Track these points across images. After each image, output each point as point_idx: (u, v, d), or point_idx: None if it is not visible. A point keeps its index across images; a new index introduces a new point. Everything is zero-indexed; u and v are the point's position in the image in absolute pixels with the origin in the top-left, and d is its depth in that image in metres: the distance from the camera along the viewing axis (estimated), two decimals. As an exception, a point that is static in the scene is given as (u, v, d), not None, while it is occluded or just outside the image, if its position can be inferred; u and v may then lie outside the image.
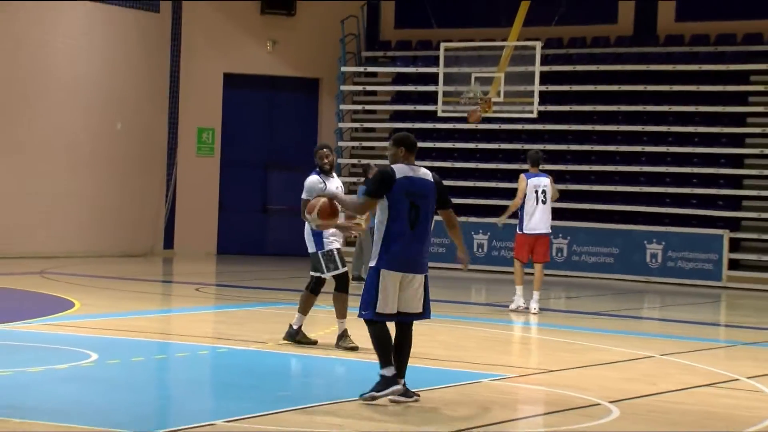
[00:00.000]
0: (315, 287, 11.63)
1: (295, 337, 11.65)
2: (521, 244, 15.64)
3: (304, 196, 11.53)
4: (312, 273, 11.58)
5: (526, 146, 23.15)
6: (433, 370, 9.68)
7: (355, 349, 11.33)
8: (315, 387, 10.30)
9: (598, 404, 9.17)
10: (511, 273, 16.25)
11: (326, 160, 11.62)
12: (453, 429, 8.18)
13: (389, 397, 8.72)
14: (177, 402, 9.27)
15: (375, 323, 8.89)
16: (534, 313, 15.25)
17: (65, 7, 22.94)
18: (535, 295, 15.40)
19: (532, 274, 15.52)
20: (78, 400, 8.53)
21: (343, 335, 11.51)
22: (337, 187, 11.50)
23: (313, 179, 11.54)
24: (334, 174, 11.76)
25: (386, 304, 8.83)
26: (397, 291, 8.87)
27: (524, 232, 15.52)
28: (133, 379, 9.91)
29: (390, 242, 8.84)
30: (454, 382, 9.97)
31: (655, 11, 24.19)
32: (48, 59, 22.82)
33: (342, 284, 11.53)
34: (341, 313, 11.52)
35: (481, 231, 22.95)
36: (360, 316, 8.99)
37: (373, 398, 8.72)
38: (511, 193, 16.57)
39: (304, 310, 11.65)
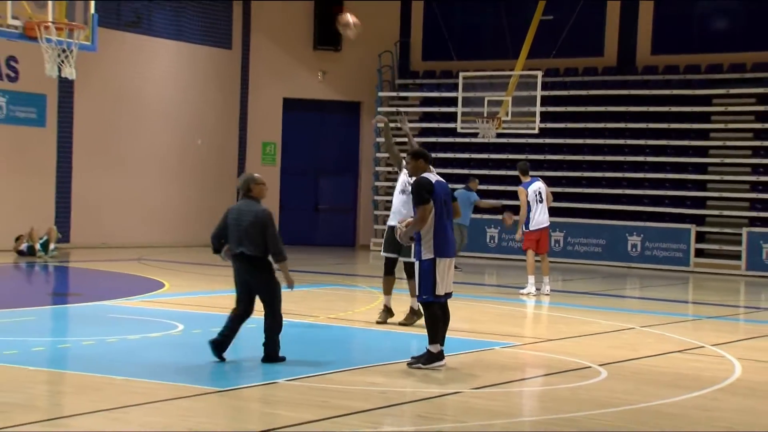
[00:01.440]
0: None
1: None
2: (529, 239, 15.11)
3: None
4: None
5: (531, 156, 23.12)
6: (455, 339, 9.66)
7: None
8: (358, 353, 10.31)
9: (590, 367, 9.15)
10: (517, 260, 16.11)
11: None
12: (472, 387, 8.18)
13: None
14: (247, 364, 9.29)
15: (432, 305, 8.77)
16: (546, 294, 14.96)
17: (157, 46, 23.08)
18: (546, 279, 15.18)
19: (539, 261, 15.37)
20: (168, 361, 8.58)
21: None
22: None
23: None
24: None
25: (443, 287, 8.76)
26: (448, 274, 8.81)
27: (531, 228, 15.03)
28: (212, 346, 10.00)
29: (440, 235, 8.75)
30: (472, 349, 9.98)
31: (634, 46, 24.07)
32: (143, 88, 22.97)
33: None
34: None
35: (492, 226, 22.90)
36: (420, 300, 8.85)
37: (419, 368, 8.65)
38: (513, 195, 16.34)
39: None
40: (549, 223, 15.42)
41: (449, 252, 8.83)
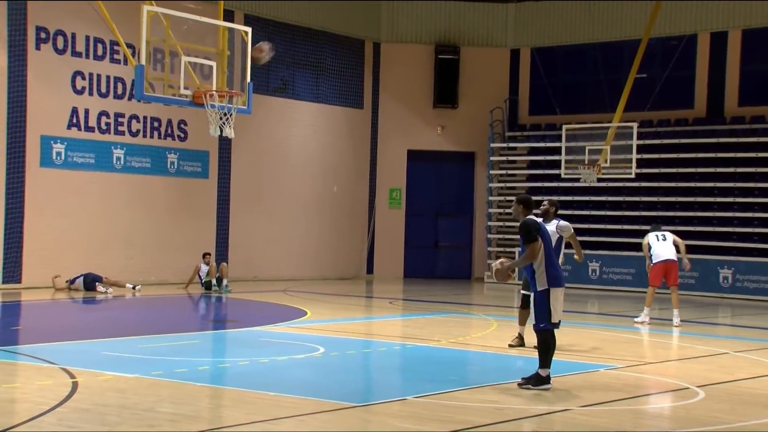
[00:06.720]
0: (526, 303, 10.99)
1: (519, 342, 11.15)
2: (656, 273, 14.65)
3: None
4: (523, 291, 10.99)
5: (627, 198, 22.63)
6: (563, 362, 9.45)
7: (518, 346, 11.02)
8: (475, 373, 10.16)
9: (688, 388, 8.81)
10: (616, 291, 15.74)
11: (540, 208, 11.06)
12: (579, 405, 7.96)
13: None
14: (378, 382, 9.30)
15: (547, 332, 8.55)
16: (676, 326, 14.26)
17: (299, 108, 23.58)
18: (676, 311, 14.53)
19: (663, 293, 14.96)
20: (310, 380, 8.63)
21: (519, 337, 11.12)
22: (555, 228, 10.91)
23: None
24: (554, 220, 11.10)
25: (557, 315, 8.58)
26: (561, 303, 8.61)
27: (654, 262, 14.64)
28: (348, 366, 10.02)
29: (551, 268, 8.57)
30: (579, 371, 9.74)
31: (722, 99, 23.35)
32: (288, 144, 23.44)
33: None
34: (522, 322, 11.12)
35: (594, 260, 22.38)
36: (538, 328, 8.57)
37: (528, 389, 8.44)
38: (613, 233, 16.05)
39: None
40: (676, 258, 14.73)
41: (561, 282, 8.65)
